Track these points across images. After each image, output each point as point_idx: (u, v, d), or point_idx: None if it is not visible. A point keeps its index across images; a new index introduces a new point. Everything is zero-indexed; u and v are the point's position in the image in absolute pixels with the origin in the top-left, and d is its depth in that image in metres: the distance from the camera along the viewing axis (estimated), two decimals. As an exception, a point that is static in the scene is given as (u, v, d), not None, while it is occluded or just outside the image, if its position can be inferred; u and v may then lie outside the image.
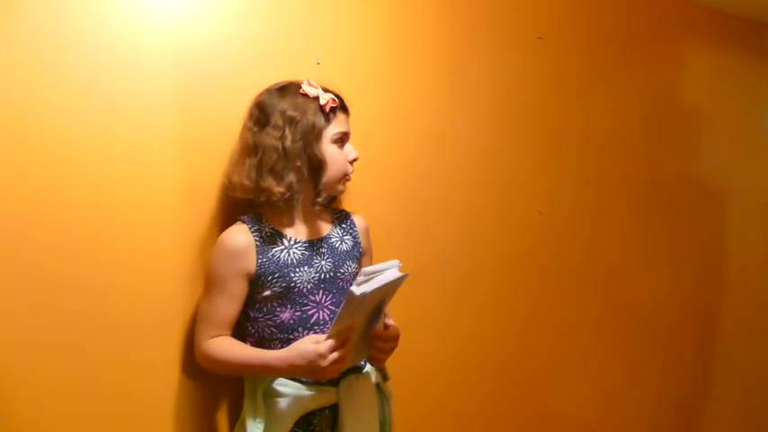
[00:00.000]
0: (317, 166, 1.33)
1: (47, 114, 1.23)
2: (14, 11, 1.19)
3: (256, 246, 1.31)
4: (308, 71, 1.43)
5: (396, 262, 1.25)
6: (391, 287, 1.24)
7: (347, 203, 1.55)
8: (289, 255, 1.33)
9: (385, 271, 1.21)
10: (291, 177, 1.31)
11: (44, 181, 1.23)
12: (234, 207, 1.38)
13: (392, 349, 1.36)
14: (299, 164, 1.32)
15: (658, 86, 2.36)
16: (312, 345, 1.21)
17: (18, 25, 1.20)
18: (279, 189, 1.30)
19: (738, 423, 2.70)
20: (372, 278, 1.18)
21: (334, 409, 1.34)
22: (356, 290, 1.14)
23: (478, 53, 1.83)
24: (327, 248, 1.39)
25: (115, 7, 1.29)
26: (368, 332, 1.30)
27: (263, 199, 1.32)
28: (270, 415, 1.30)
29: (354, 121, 1.43)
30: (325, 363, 1.19)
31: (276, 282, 1.31)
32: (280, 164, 1.30)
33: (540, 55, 1.96)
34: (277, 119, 1.31)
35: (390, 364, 1.50)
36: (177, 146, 1.37)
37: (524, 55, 1.93)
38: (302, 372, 1.25)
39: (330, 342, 1.20)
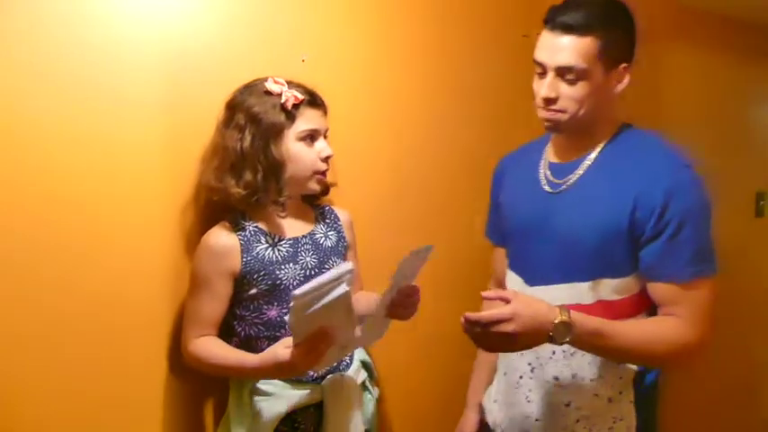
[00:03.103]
0: (274, 165, 1.31)
1: (31, 112, 1.21)
2: (-1, 8, 1.18)
3: (240, 245, 1.31)
4: (294, 69, 1.43)
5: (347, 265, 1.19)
6: (334, 281, 1.16)
7: (335, 200, 1.54)
8: (274, 252, 1.33)
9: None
10: (248, 177, 1.29)
11: (28, 180, 1.21)
12: (219, 207, 1.37)
13: (414, 303, 1.34)
14: (257, 164, 1.30)
15: (645, 84, 2.37)
16: (283, 350, 1.17)
17: (2, 23, 1.18)
18: (236, 189, 1.29)
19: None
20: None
21: (319, 408, 1.35)
22: (296, 291, 1.08)
23: (465, 51, 1.84)
24: (312, 245, 1.39)
25: (102, 5, 1.28)
26: (354, 327, 1.27)
27: (216, 198, 1.32)
28: (255, 413, 1.31)
29: (341, 119, 1.43)
30: (299, 368, 1.17)
31: (262, 279, 1.31)
32: (238, 164, 1.30)
33: (526, 53, 1.95)
34: (240, 118, 1.31)
35: (377, 362, 1.51)
36: (163, 145, 1.36)
37: (510, 53, 1.93)
38: (277, 375, 1.27)
39: (301, 349, 1.15)
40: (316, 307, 1.11)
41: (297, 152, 1.33)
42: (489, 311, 1.12)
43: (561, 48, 1.23)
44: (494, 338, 1.13)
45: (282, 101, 1.31)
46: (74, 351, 1.26)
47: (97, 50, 1.28)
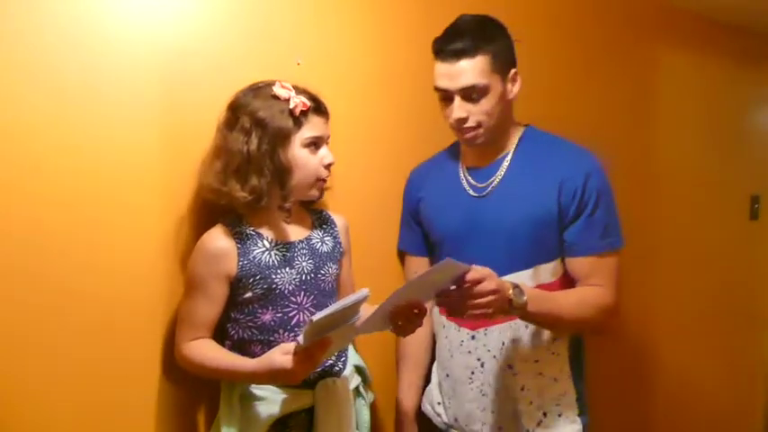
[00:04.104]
0: (281, 171, 1.31)
1: (28, 113, 1.21)
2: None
3: (237, 248, 1.31)
4: (290, 72, 1.43)
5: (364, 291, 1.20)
6: (351, 308, 1.20)
7: (331, 205, 1.55)
8: (270, 256, 1.34)
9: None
10: (254, 181, 1.29)
11: (25, 181, 1.22)
12: (216, 209, 1.37)
13: (417, 324, 1.28)
14: (263, 168, 1.29)
15: (641, 88, 2.38)
16: (281, 357, 1.18)
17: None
18: (241, 193, 1.29)
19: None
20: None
21: (310, 412, 1.35)
22: (315, 317, 1.11)
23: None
24: (308, 250, 1.39)
25: (99, 6, 1.28)
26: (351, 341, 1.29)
27: (223, 202, 1.32)
28: (245, 418, 1.32)
29: (337, 122, 1.43)
30: (296, 376, 1.18)
31: (257, 283, 1.32)
32: (243, 168, 1.29)
33: (520, 56, 1.96)
34: (245, 121, 1.30)
35: (372, 366, 1.52)
36: (160, 147, 1.36)
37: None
38: (271, 381, 1.28)
39: (300, 356, 1.16)
40: (328, 330, 1.15)
41: (301, 158, 1.33)
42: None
43: (459, 72, 1.37)
44: (484, 297, 1.22)
45: (291, 107, 1.31)
46: (70, 352, 1.27)
47: (94, 51, 1.28)
